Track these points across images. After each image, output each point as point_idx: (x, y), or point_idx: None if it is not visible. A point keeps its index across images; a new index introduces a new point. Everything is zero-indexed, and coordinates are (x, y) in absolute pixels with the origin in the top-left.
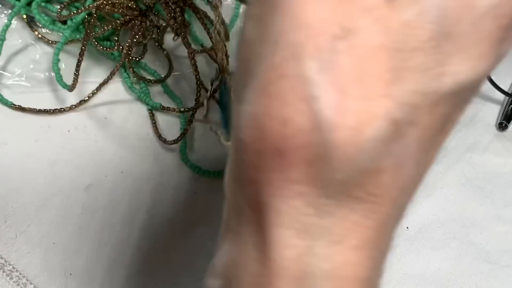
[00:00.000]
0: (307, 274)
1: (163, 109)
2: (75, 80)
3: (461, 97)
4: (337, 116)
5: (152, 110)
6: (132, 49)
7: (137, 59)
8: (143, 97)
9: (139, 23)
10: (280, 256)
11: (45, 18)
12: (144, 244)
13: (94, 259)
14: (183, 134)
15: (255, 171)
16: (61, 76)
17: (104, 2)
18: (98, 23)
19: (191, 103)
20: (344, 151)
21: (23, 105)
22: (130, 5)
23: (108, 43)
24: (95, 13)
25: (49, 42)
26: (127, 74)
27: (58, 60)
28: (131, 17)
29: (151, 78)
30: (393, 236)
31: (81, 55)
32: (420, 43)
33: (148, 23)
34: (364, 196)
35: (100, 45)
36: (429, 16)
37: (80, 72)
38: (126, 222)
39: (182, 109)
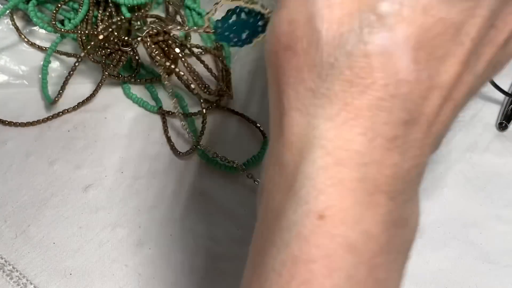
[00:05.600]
0: (307, 145)
1: (160, 112)
2: (60, 94)
3: None
4: (326, 9)
5: (165, 115)
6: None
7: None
8: (140, 102)
9: (118, 56)
10: (288, 133)
11: (41, 17)
12: (144, 244)
13: (94, 259)
14: (196, 143)
15: (276, 68)
16: (46, 83)
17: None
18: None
19: (194, 105)
20: (331, 36)
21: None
22: (113, 38)
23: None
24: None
25: (39, 48)
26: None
27: (47, 73)
28: (112, 50)
29: (149, 77)
30: (400, 127)
31: (70, 74)
32: None
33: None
34: (353, 78)
35: (92, 59)
36: None
37: (75, 74)
38: (126, 222)
39: (182, 112)
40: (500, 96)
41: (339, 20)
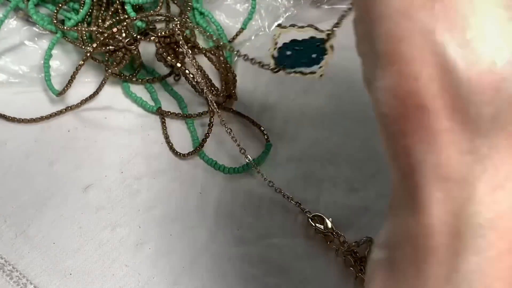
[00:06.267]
0: (467, 227)
1: (159, 113)
2: (67, 87)
3: None
4: (463, 51)
5: (164, 118)
6: (121, 64)
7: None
8: (139, 100)
9: (122, 54)
10: (435, 210)
11: (42, 16)
12: (145, 244)
13: (94, 259)
14: (200, 146)
15: (404, 137)
16: (49, 75)
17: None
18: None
19: (192, 105)
20: (481, 82)
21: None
22: (118, 36)
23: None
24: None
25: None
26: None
27: (49, 66)
28: (116, 48)
29: (150, 77)
30: None
31: (75, 71)
32: None
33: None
34: None
35: (95, 59)
36: None
37: (77, 75)
38: (126, 222)
39: (181, 114)
40: None
41: (489, 59)
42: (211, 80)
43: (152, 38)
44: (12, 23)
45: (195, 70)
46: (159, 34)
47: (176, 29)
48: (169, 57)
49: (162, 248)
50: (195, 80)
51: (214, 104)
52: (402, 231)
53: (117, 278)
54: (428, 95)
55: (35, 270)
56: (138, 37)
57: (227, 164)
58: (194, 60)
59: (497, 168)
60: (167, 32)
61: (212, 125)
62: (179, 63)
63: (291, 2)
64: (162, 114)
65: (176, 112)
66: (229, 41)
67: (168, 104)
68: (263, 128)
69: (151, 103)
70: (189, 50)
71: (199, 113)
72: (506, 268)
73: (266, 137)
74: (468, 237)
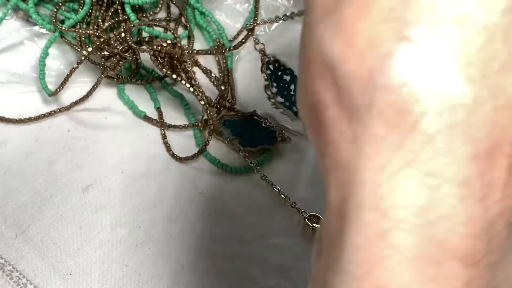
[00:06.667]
0: (354, 208)
1: (146, 119)
2: (60, 88)
3: None
4: (342, 48)
5: (163, 117)
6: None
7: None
8: (130, 104)
9: (116, 61)
10: (331, 194)
11: (42, 16)
12: (145, 244)
13: (94, 259)
14: (200, 151)
15: (315, 126)
16: (44, 75)
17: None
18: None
19: (195, 103)
20: (358, 74)
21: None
22: (113, 42)
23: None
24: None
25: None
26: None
27: (45, 65)
28: (110, 54)
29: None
30: (458, 166)
31: (69, 74)
32: None
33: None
34: (397, 116)
35: (91, 61)
36: None
37: (74, 73)
38: (126, 222)
39: (187, 125)
40: None
41: (360, 54)
42: (203, 93)
43: (146, 51)
44: (12, 23)
45: (190, 84)
46: (154, 47)
47: (171, 47)
48: (164, 69)
49: (162, 248)
50: (192, 91)
51: (208, 115)
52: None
53: (117, 278)
54: (320, 91)
55: (35, 270)
56: (133, 45)
57: (230, 163)
58: (188, 74)
59: (378, 153)
60: (160, 47)
61: (212, 133)
62: (175, 74)
63: (291, 2)
64: (150, 120)
65: (162, 121)
66: (230, 41)
67: (170, 103)
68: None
69: (150, 103)
70: (189, 67)
71: (193, 124)
72: (388, 246)
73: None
74: (352, 218)
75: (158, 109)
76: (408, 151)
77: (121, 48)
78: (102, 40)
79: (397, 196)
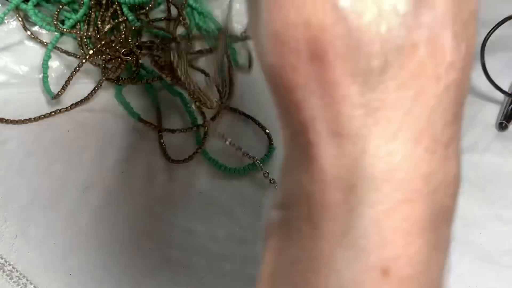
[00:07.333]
0: (361, 181)
1: (140, 121)
2: (62, 90)
3: None
4: (358, 1)
5: (161, 117)
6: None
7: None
8: (126, 105)
9: (117, 64)
10: (330, 166)
11: (41, 17)
12: (144, 244)
13: (94, 259)
14: (195, 153)
15: (294, 90)
16: (47, 77)
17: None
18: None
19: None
20: (373, 32)
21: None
22: (115, 45)
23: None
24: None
25: (42, 43)
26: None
27: (48, 67)
28: (112, 57)
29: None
30: (453, 125)
31: (70, 76)
32: None
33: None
34: (408, 79)
35: (93, 63)
36: None
37: (76, 74)
38: (126, 222)
39: (187, 128)
40: (500, 96)
41: (378, 11)
42: (202, 96)
43: (147, 55)
44: (12, 23)
45: (188, 87)
46: (154, 53)
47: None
48: (163, 75)
49: (162, 248)
50: (190, 94)
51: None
52: (296, 190)
53: (117, 278)
54: (322, 44)
55: (35, 270)
56: (134, 50)
57: (230, 164)
58: (187, 79)
59: (389, 120)
60: (160, 52)
61: (206, 137)
62: (174, 77)
63: None
64: (145, 122)
65: (156, 125)
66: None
67: (170, 103)
68: (268, 131)
69: (149, 103)
70: (184, 73)
71: (193, 126)
72: (402, 219)
73: (270, 141)
74: (363, 191)
75: (158, 110)
76: (416, 117)
77: (122, 51)
78: (103, 42)
79: (410, 166)
